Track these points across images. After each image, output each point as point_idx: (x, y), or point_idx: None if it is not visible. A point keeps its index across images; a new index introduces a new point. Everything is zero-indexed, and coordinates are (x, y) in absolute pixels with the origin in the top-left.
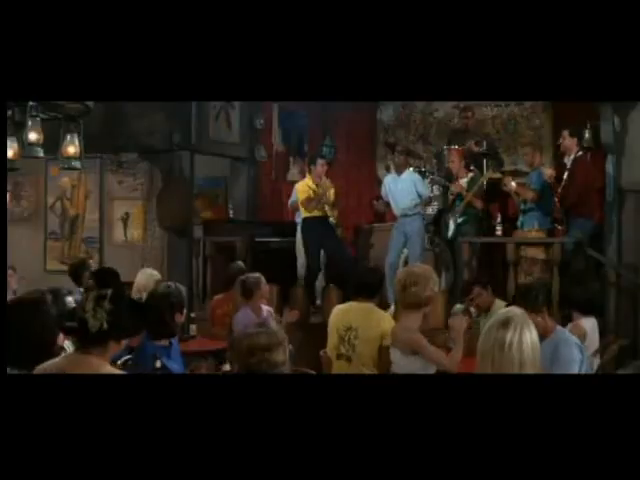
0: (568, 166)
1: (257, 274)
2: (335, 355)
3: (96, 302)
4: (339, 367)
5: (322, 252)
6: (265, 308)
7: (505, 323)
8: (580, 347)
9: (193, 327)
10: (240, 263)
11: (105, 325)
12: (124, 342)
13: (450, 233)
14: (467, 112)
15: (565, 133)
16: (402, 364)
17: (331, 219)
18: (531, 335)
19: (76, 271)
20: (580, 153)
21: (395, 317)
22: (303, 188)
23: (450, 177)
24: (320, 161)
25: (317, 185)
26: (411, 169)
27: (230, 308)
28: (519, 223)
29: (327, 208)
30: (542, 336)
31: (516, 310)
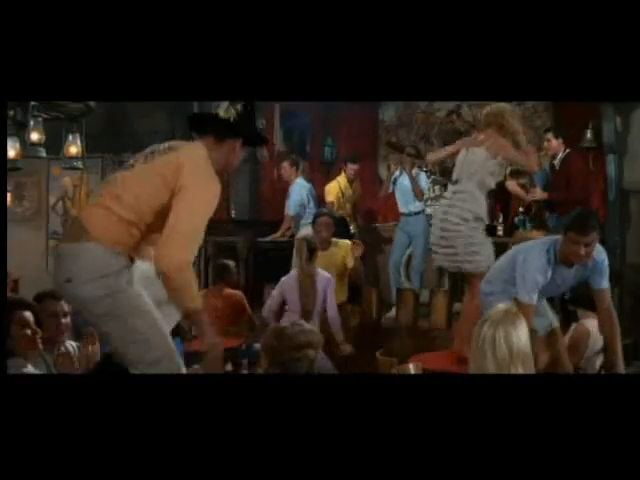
0: (557, 168)
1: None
2: None
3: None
4: None
5: None
6: (325, 275)
7: (483, 321)
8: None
9: (195, 327)
10: (227, 262)
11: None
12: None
13: None
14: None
15: (549, 135)
16: None
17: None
18: (517, 331)
19: None
20: (567, 151)
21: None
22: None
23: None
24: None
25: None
26: (416, 168)
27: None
28: (518, 223)
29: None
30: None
31: (499, 307)
